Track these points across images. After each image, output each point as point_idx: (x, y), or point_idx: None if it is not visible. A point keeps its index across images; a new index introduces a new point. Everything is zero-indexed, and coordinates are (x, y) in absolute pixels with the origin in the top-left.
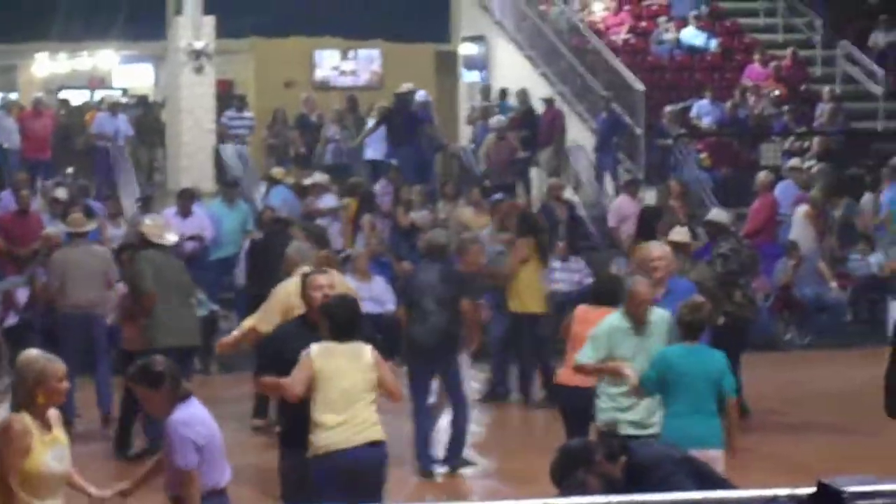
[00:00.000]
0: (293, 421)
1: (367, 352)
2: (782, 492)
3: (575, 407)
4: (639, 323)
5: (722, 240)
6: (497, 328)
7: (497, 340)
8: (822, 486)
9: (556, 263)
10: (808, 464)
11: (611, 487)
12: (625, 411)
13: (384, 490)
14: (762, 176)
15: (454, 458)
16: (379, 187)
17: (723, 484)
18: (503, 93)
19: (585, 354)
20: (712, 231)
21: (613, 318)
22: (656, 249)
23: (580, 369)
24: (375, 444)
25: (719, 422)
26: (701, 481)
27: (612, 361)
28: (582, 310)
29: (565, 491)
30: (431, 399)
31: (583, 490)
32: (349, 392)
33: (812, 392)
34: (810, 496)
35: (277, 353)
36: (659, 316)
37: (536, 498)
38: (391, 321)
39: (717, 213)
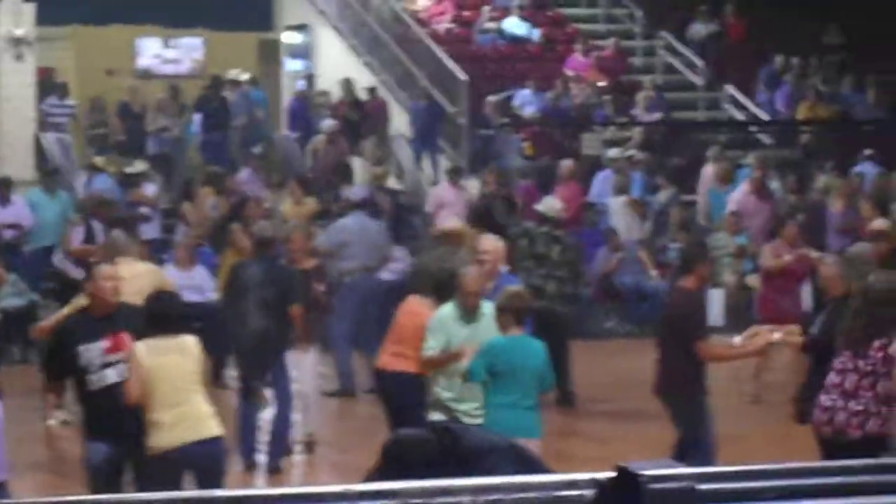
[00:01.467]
0: (92, 413)
1: (193, 344)
2: (583, 476)
3: (396, 392)
4: (470, 314)
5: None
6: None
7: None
8: (620, 470)
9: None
10: (633, 449)
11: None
12: (459, 402)
13: (223, 483)
14: (564, 165)
15: (275, 456)
16: (245, 175)
17: (545, 471)
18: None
19: (429, 346)
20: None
21: (446, 309)
22: (486, 242)
23: (428, 362)
24: (213, 440)
25: (538, 414)
26: (525, 469)
27: (450, 348)
28: (408, 301)
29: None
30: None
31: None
32: (181, 387)
33: (634, 380)
34: (609, 480)
35: (61, 345)
36: (490, 308)
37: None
38: (211, 310)
39: (547, 204)
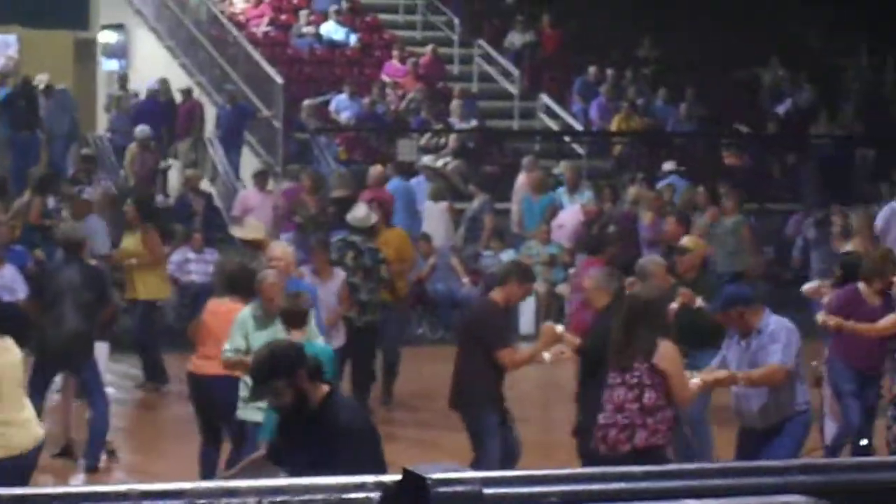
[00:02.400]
0: None
1: (13, 345)
2: (369, 479)
3: (207, 396)
4: (270, 316)
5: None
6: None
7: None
8: (406, 473)
9: (192, 255)
10: (437, 456)
11: (300, 410)
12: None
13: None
14: (374, 170)
15: (93, 456)
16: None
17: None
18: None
19: (226, 349)
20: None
21: (247, 311)
22: (277, 249)
23: (226, 363)
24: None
25: None
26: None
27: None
28: (212, 302)
29: (259, 392)
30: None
31: (275, 399)
32: (21, 386)
33: (443, 386)
34: (396, 483)
35: None
36: None
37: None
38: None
39: (353, 213)
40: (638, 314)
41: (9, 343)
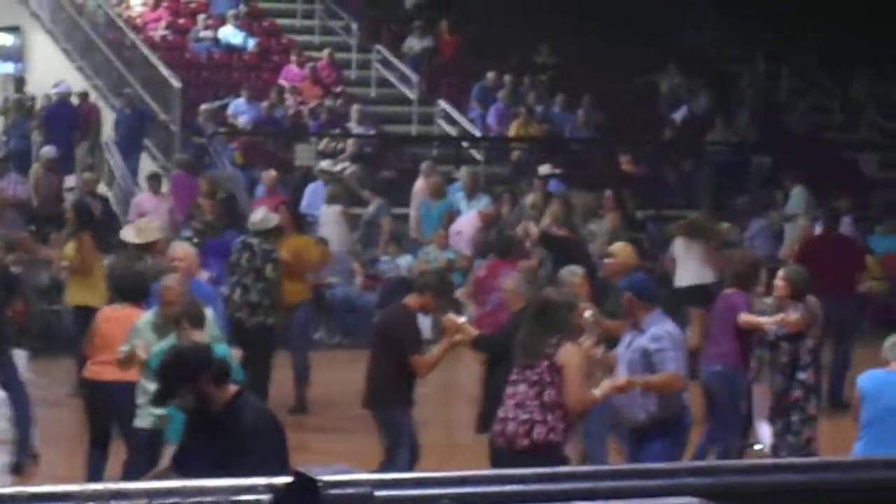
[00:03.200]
0: None
1: None
2: (259, 481)
3: (102, 401)
4: (170, 321)
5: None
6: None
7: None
8: (297, 475)
9: None
10: (356, 461)
11: (205, 412)
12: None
13: None
14: (267, 175)
15: (20, 455)
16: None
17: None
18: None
19: (119, 349)
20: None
21: (147, 316)
22: (178, 249)
23: (119, 363)
24: None
25: None
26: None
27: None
28: (105, 309)
29: (163, 396)
30: None
31: (180, 402)
32: None
33: (343, 392)
34: (286, 485)
35: None
36: None
37: None
38: None
39: (264, 217)
40: (539, 313)
41: None
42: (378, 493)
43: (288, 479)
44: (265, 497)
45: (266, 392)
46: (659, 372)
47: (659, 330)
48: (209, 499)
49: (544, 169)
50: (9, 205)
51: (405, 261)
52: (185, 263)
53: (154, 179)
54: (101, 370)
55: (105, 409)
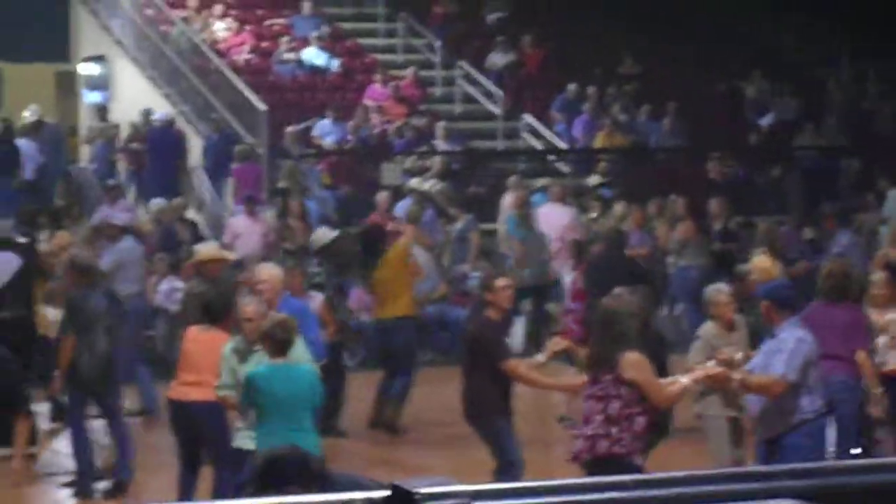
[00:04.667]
0: None
1: None
2: (358, 495)
3: (187, 421)
4: (251, 342)
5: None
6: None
7: None
8: (395, 489)
9: (179, 284)
10: (455, 475)
11: None
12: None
13: None
14: (381, 197)
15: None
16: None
17: None
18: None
19: (221, 385)
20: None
21: (231, 343)
22: (263, 271)
23: (223, 400)
24: None
25: (315, 437)
26: None
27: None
28: (191, 330)
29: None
30: None
31: None
32: None
33: (442, 407)
34: (384, 499)
35: None
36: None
37: None
38: None
39: (321, 233)
40: (602, 325)
41: None
42: (476, 503)
43: (385, 493)
44: None
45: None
46: (766, 373)
47: (788, 334)
48: None
49: (593, 179)
50: (124, 232)
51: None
52: (269, 285)
53: (249, 202)
54: (186, 390)
55: (191, 428)
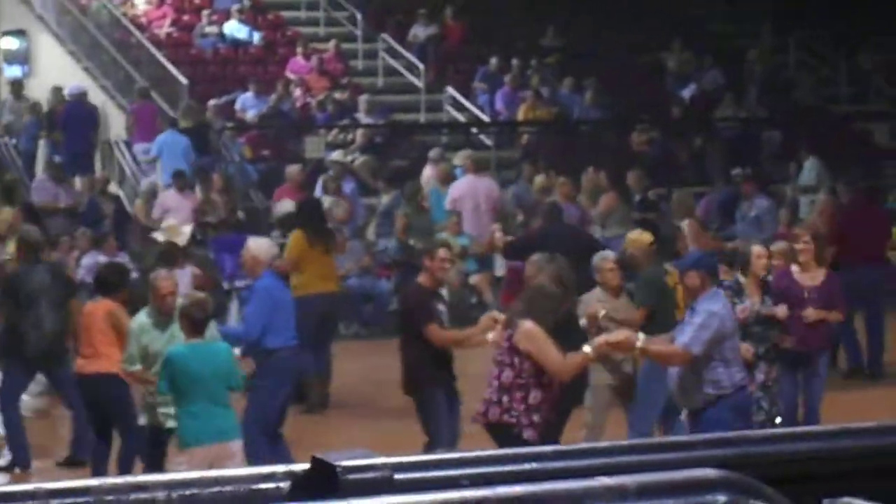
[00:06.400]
0: None
1: None
2: (279, 468)
3: (92, 395)
4: (165, 317)
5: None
6: None
7: None
8: (315, 461)
9: (103, 258)
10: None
11: None
12: (163, 406)
13: None
14: (291, 169)
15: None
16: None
17: None
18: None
19: (126, 357)
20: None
21: (140, 316)
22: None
23: (128, 376)
24: None
25: (234, 413)
26: None
27: (148, 358)
28: (87, 304)
29: None
30: None
31: None
32: None
33: (367, 381)
34: (306, 471)
35: None
36: None
37: None
38: None
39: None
40: (522, 294)
41: None
42: (398, 476)
43: (306, 466)
44: (284, 484)
45: None
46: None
47: (702, 307)
48: (228, 488)
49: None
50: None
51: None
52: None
53: (178, 177)
54: (84, 364)
55: (94, 401)
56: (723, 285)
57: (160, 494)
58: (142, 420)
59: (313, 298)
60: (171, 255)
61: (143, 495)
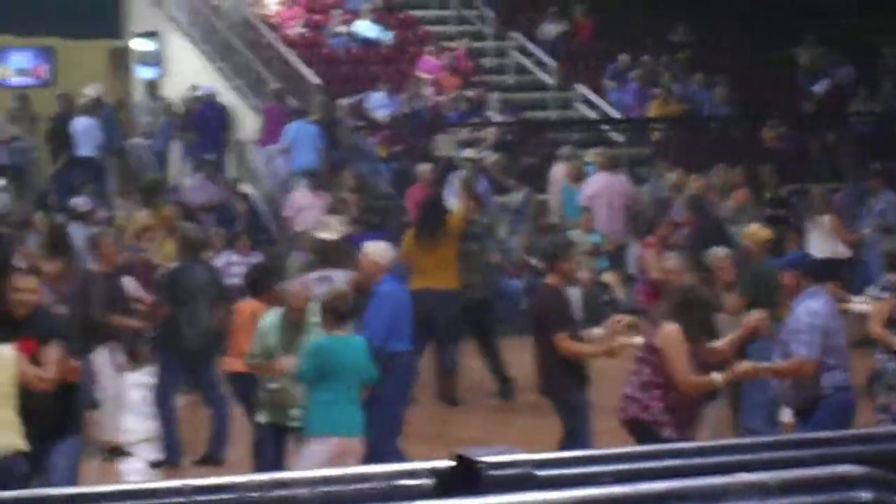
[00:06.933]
0: None
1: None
2: (422, 465)
3: (241, 392)
4: (296, 318)
5: None
6: None
7: None
8: (459, 458)
9: (236, 258)
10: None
11: None
12: (288, 407)
13: None
14: (423, 168)
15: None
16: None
17: None
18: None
19: (251, 354)
20: None
21: (272, 315)
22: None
23: (250, 366)
24: None
25: (361, 411)
26: None
27: (273, 355)
28: (239, 304)
29: None
30: None
31: None
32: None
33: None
34: (448, 468)
35: None
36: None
37: None
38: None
39: None
40: (671, 292)
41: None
42: (539, 472)
43: (450, 463)
44: (427, 480)
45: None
46: (790, 355)
47: (801, 309)
48: (371, 484)
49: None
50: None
51: None
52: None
53: (311, 175)
54: (231, 362)
55: (243, 397)
56: (886, 284)
57: (303, 491)
58: (260, 418)
59: (418, 294)
60: (334, 253)
61: (285, 492)
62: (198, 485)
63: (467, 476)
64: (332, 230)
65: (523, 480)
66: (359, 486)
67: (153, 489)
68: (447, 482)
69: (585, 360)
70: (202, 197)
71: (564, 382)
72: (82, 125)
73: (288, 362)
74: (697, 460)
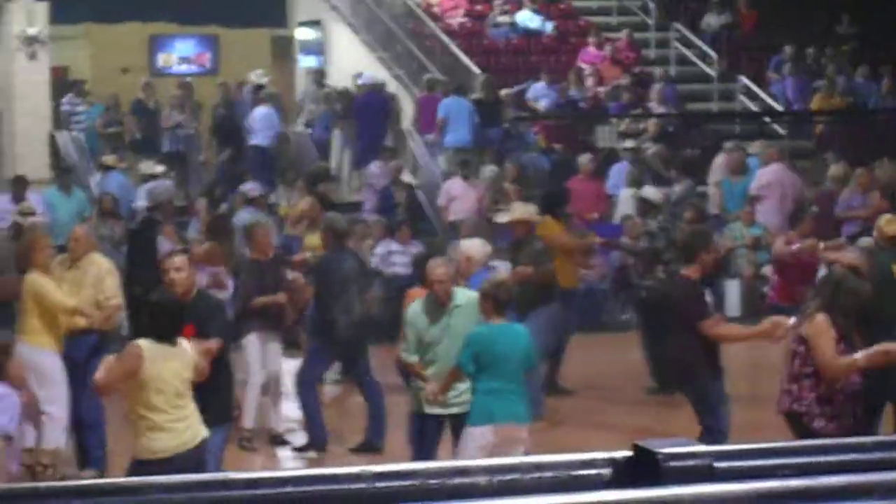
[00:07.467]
0: None
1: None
2: (600, 455)
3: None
4: (441, 304)
5: (651, 217)
6: None
7: None
8: (637, 449)
9: (396, 247)
10: (650, 433)
11: None
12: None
13: None
14: (584, 160)
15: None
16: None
17: None
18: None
19: (405, 349)
20: (644, 208)
21: (415, 304)
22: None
23: (408, 367)
24: None
25: (525, 399)
26: None
27: (424, 341)
28: (412, 289)
29: None
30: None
31: None
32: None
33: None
34: (627, 458)
35: None
36: (466, 297)
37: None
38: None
39: (649, 191)
40: (824, 283)
41: (182, 348)
42: (718, 464)
43: (628, 453)
44: (605, 470)
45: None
46: None
47: None
48: (549, 473)
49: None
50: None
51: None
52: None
53: (464, 166)
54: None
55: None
56: None
57: (481, 479)
58: (416, 408)
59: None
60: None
61: (464, 480)
62: (378, 471)
63: (646, 467)
64: (513, 212)
65: (702, 472)
66: (537, 475)
67: (333, 475)
68: (626, 473)
69: (720, 351)
70: (384, 182)
71: (700, 370)
72: (261, 114)
73: (430, 387)
74: (878, 454)
